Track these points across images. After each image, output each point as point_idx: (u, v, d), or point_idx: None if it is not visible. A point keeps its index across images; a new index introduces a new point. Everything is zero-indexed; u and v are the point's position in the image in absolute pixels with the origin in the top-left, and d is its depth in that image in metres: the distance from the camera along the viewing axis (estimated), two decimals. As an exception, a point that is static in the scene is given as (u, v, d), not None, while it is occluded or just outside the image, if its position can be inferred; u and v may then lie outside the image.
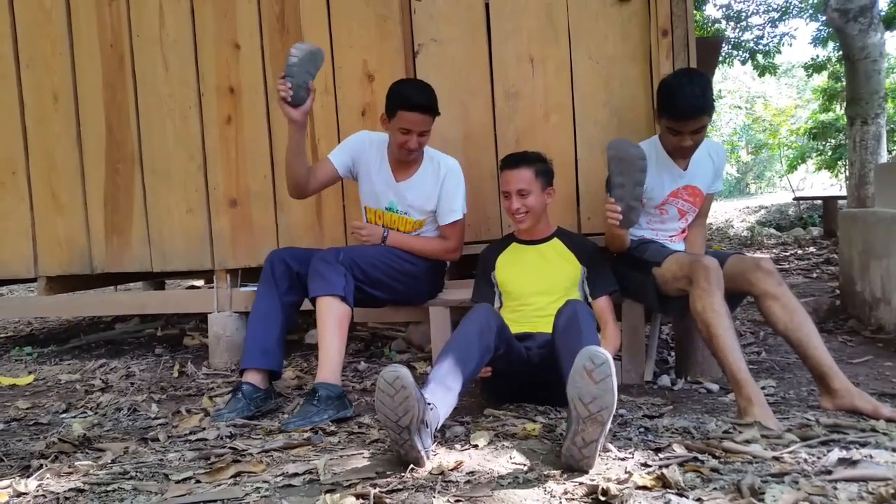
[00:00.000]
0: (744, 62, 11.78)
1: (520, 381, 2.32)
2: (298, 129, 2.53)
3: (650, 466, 1.65)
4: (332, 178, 2.78)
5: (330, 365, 2.34)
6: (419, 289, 2.82)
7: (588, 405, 1.60)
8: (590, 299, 2.54)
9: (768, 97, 23.50)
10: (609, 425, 1.64)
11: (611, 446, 1.81)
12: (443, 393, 1.87)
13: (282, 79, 2.43)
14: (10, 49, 3.40)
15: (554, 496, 1.52)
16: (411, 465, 1.72)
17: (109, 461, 1.92)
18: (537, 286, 2.52)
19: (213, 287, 3.32)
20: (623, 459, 1.73)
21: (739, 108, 22.84)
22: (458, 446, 1.91)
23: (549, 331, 2.20)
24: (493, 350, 2.06)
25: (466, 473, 1.68)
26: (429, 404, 1.78)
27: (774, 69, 11.90)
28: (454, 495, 1.54)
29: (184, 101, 3.29)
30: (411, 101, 2.53)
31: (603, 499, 1.47)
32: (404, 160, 2.69)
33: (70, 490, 1.68)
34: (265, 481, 1.69)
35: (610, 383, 1.61)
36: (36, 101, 3.40)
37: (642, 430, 1.98)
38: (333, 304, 2.40)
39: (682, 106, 2.40)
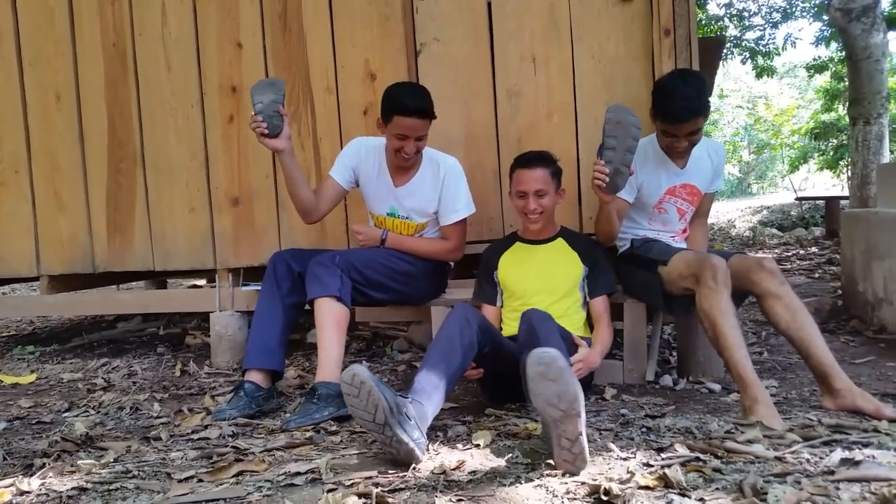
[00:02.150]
0: (744, 62, 11.77)
1: (519, 380, 2.32)
2: (287, 156, 2.53)
3: (652, 466, 1.65)
4: (340, 195, 2.77)
5: (329, 364, 2.36)
6: (420, 289, 2.81)
7: (557, 406, 1.60)
8: (588, 298, 2.54)
9: (770, 97, 23.48)
10: (584, 415, 1.63)
11: (613, 446, 1.81)
12: (428, 390, 1.88)
13: (252, 116, 2.45)
14: (13, 48, 3.40)
15: (556, 496, 1.52)
16: (413, 465, 1.72)
17: (112, 460, 1.92)
18: (540, 286, 2.51)
19: (214, 286, 3.33)
20: (625, 459, 1.73)
21: (741, 108, 22.82)
22: (459, 445, 1.91)
23: None
24: (476, 346, 2.06)
25: (468, 473, 1.68)
26: (407, 397, 1.80)
27: (773, 71, 11.89)
28: (456, 494, 1.54)
29: (186, 100, 3.29)
30: (407, 106, 2.49)
31: (605, 498, 1.47)
32: (402, 165, 2.68)
33: (73, 489, 1.69)
34: (267, 480, 1.69)
35: (567, 376, 1.61)
36: (39, 100, 3.41)
37: (644, 429, 1.98)
38: (330, 305, 2.41)
39: (676, 109, 2.38)
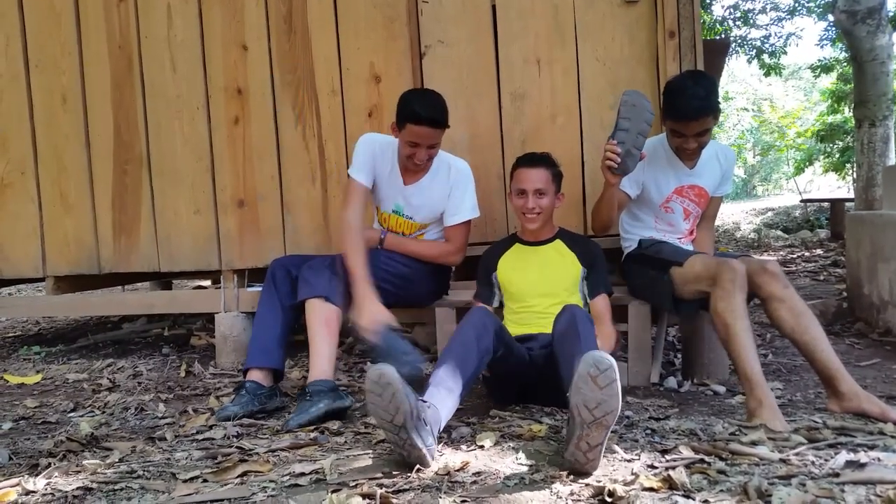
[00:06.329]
0: (749, 61, 11.73)
1: (524, 382, 2.32)
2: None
3: (657, 468, 1.65)
4: (368, 195, 2.73)
5: (320, 363, 2.37)
6: (417, 292, 2.80)
7: (593, 411, 1.60)
8: (587, 299, 2.54)
9: (775, 99, 23.44)
10: (611, 427, 1.64)
11: (617, 448, 1.81)
12: (443, 395, 1.88)
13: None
14: (19, 51, 3.41)
15: (560, 497, 1.52)
16: (417, 466, 1.72)
17: (117, 460, 1.93)
18: (539, 288, 2.51)
19: (220, 287, 3.33)
20: (629, 461, 1.73)
21: (746, 110, 22.79)
22: (464, 447, 1.91)
23: (550, 331, 2.20)
24: (491, 352, 2.06)
25: (472, 474, 1.68)
26: (425, 402, 1.80)
27: (780, 69, 11.85)
28: (460, 496, 1.54)
29: (192, 102, 3.30)
30: (420, 115, 2.47)
31: (609, 500, 1.47)
32: (413, 169, 2.68)
33: (78, 489, 1.69)
34: (272, 481, 1.69)
35: (615, 388, 1.61)
36: (45, 102, 3.42)
37: (649, 431, 1.98)
38: (318, 306, 2.42)
39: (685, 108, 2.39)
